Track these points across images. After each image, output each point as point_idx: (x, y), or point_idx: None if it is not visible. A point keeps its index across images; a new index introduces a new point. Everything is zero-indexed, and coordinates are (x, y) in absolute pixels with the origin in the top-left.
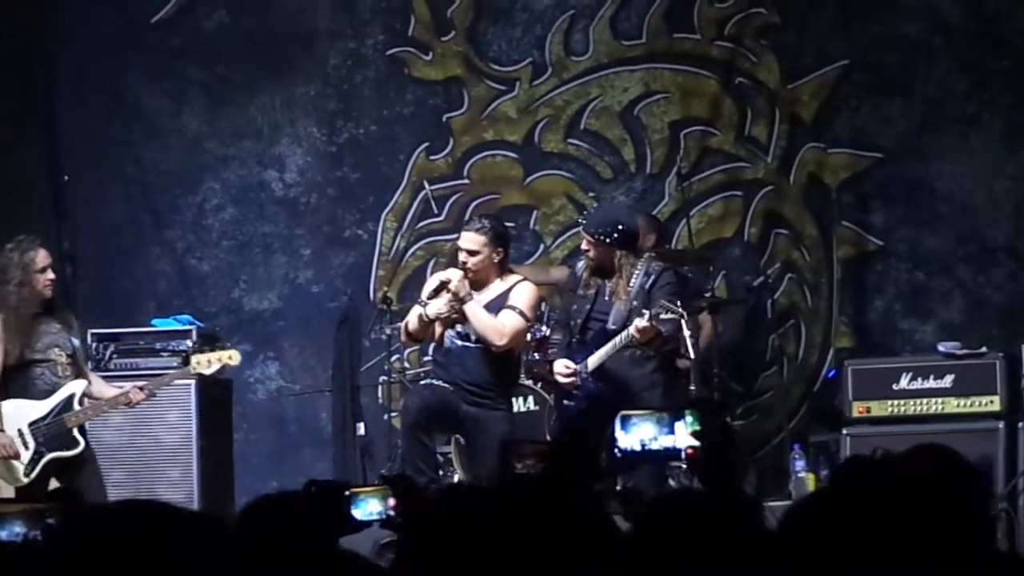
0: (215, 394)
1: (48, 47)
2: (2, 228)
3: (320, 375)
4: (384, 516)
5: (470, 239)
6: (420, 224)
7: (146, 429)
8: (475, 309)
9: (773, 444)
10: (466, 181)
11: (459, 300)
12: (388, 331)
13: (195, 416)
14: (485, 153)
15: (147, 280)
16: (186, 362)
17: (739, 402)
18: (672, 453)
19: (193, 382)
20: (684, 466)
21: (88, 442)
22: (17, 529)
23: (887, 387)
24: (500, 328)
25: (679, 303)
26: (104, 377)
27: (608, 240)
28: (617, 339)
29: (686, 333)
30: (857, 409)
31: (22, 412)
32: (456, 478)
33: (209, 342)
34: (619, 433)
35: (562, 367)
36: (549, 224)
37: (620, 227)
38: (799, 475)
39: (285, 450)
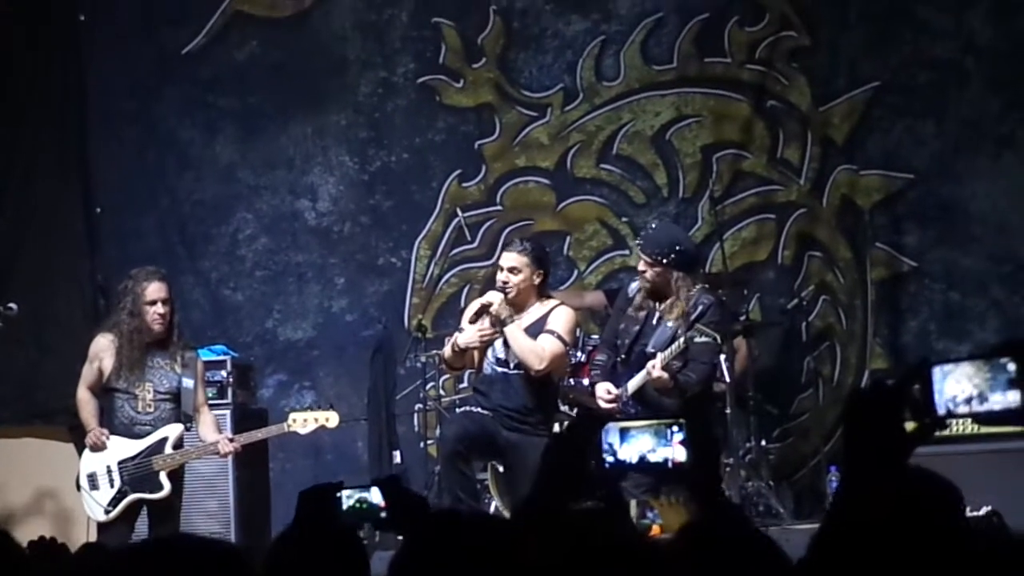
0: (251, 425)
1: (80, 80)
2: (36, 261)
3: (355, 404)
4: (378, 517)
5: (511, 258)
6: (453, 251)
7: None
8: (515, 332)
9: (810, 466)
10: (499, 208)
11: (500, 323)
12: (423, 359)
13: None
14: (518, 179)
15: (181, 311)
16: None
17: (775, 424)
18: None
19: (228, 412)
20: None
21: (180, 489)
22: None
23: None
24: (540, 352)
25: (718, 335)
26: None
27: (665, 261)
28: (649, 365)
29: (722, 359)
30: None
31: (116, 449)
32: (493, 505)
33: (245, 373)
34: (617, 444)
35: (604, 391)
36: (582, 250)
37: (678, 248)
38: None
39: (321, 479)
